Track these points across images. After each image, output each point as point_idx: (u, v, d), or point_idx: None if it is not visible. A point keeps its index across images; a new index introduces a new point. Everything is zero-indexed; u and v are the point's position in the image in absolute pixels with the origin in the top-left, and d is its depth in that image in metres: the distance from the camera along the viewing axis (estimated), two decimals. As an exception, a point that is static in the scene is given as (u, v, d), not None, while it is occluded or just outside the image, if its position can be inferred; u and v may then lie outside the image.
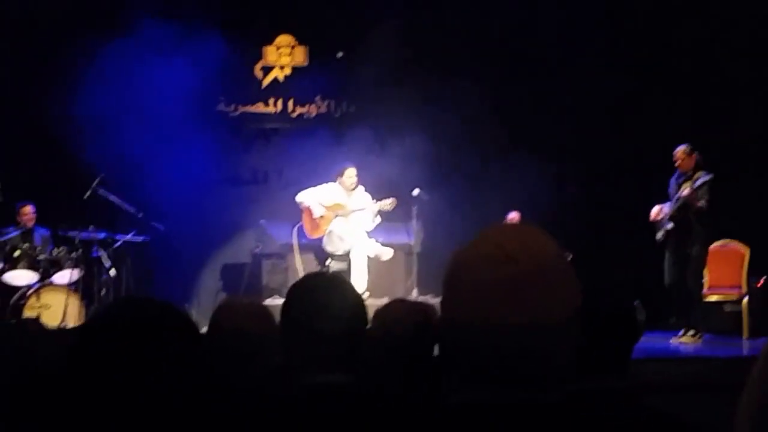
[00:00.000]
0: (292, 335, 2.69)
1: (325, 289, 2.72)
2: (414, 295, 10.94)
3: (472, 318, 1.61)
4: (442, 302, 1.72)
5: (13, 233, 11.01)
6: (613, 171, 12.53)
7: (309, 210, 11.28)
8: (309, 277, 2.92)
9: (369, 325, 2.92)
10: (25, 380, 2.63)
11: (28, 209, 11.20)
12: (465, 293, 1.64)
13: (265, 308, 3.36)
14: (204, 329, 3.14)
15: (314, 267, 11.39)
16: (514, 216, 11.97)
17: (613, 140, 12.62)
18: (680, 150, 10.21)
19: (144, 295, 10.92)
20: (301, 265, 11.35)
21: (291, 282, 10.84)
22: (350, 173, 11.22)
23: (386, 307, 3.65)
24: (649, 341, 9.55)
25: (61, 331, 3.04)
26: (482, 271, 1.63)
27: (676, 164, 10.22)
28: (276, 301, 10.46)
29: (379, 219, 11.31)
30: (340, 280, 2.86)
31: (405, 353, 3.44)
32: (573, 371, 1.67)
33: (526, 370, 1.61)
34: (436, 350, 3.65)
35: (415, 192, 11.40)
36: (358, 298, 2.77)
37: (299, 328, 2.66)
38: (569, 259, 8.77)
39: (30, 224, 11.21)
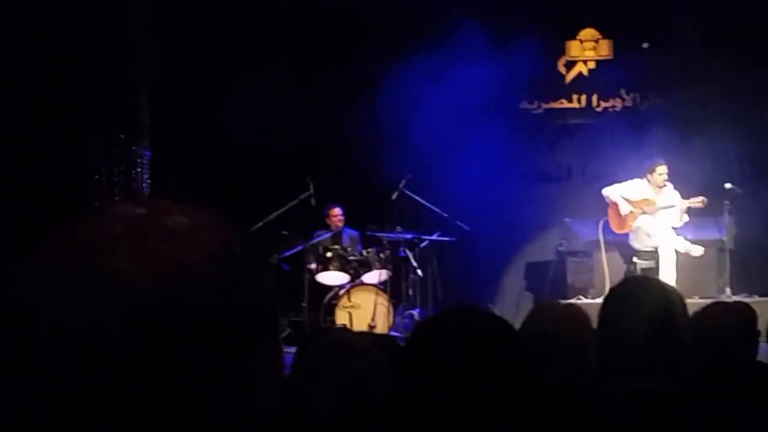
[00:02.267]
0: (608, 339, 2.69)
1: (644, 292, 2.69)
2: (727, 293, 10.45)
3: None
4: None
5: (325, 236, 11.40)
6: None
7: (615, 205, 11.01)
8: (628, 281, 2.97)
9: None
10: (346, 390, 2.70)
11: (337, 211, 11.55)
12: None
13: (580, 310, 3.33)
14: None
15: (620, 265, 11.11)
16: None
17: None
18: None
19: (450, 295, 11.10)
20: (606, 263, 11.08)
21: (597, 281, 10.76)
22: (661, 170, 10.85)
23: (704, 310, 3.53)
24: None
25: (378, 338, 3.11)
26: None
27: None
28: (581, 302, 10.29)
29: (687, 218, 10.86)
30: (660, 284, 2.87)
31: (726, 360, 3.30)
32: None
33: None
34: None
35: (727, 185, 10.90)
36: (677, 301, 2.72)
37: (616, 332, 2.66)
38: None
39: (339, 226, 11.56)
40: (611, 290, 2.81)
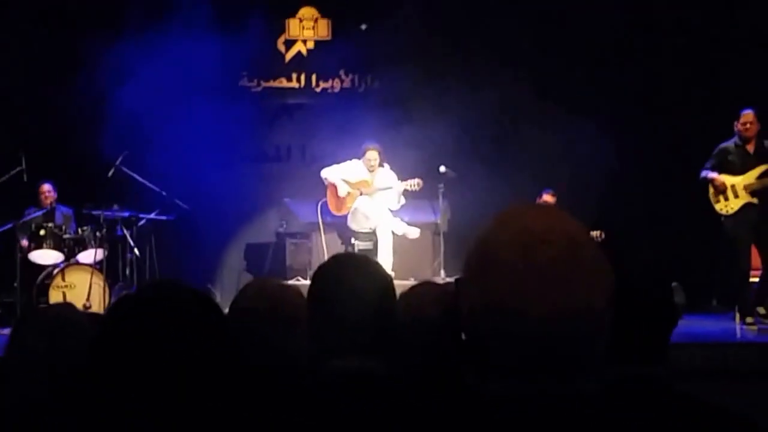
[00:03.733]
0: (318, 318, 2.64)
1: (353, 270, 2.66)
2: (441, 276, 10.83)
3: (500, 304, 1.54)
4: (463, 289, 1.64)
5: (35, 214, 10.96)
6: (649, 143, 12.12)
7: (333, 186, 11.16)
8: (336, 258, 2.87)
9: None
10: (59, 369, 2.70)
11: (46, 187, 11.14)
12: (493, 279, 1.56)
13: (293, 288, 3.23)
14: (226, 310, 3.08)
15: (339, 246, 11.30)
16: (547, 196, 11.49)
17: (650, 109, 12.24)
18: (751, 114, 9.56)
19: (168, 274, 10.93)
20: (325, 245, 11.25)
21: (315, 262, 10.87)
22: (371, 155, 11.08)
23: (412, 290, 3.57)
24: (689, 325, 9.24)
25: (94, 316, 3.08)
26: (510, 256, 1.56)
27: (744, 128, 9.54)
28: (300, 283, 10.40)
29: (404, 200, 11.16)
30: (368, 261, 2.80)
31: (432, 339, 3.37)
32: (606, 358, 1.62)
33: (559, 358, 1.55)
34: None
35: (442, 169, 11.19)
36: (386, 279, 2.71)
37: (326, 311, 2.61)
38: (601, 237, 8.43)
39: (50, 203, 11.12)
40: (318, 268, 2.75)
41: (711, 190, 9.75)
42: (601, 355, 1.59)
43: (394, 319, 2.70)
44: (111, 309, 1.87)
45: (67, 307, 3.19)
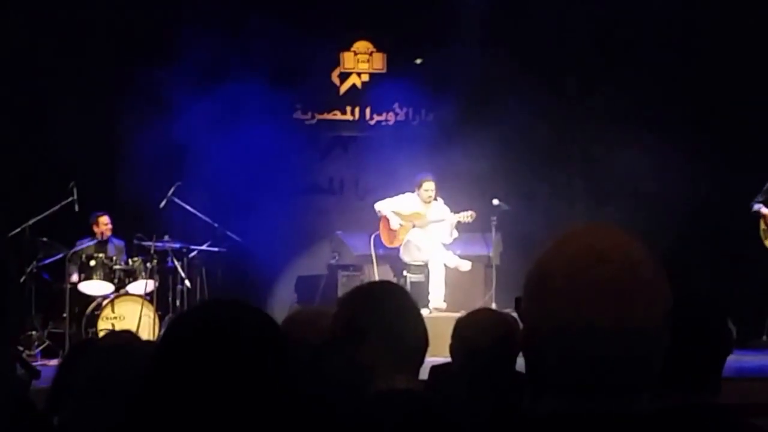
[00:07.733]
0: (353, 341, 2.65)
1: (386, 296, 2.69)
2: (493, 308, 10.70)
3: (558, 322, 1.57)
4: (524, 306, 1.66)
5: (89, 243, 10.95)
6: (705, 174, 11.85)
7: (386, 219, 11.10)
8: (370, 286, 3.01)
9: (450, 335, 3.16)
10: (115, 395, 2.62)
11: (105, 219, 11.10)
12: (551, 297, 1.59)
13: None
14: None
15: (391, 279, 11.18)
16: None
17: (704, 142, 12.01)
18: None
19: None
20: (377, 277, 11.17)
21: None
22: (427, 186, 11.03)
23: (470, 315, 3.54)
24: (739, 360, 9.01)
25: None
26: (569, 273, 1.58)
27: None
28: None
29: (456, 233, 11.10)
30: (395, 287, 2.87)
31: (488, 363, 3.29)
32: (660, 384, 1.63)
33: (615, 376, 1.56)
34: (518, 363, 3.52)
35: (495, 202, 11.17)
36: (413, 306, 2.73)
37: (361, 335, 2.62)
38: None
39: (106, 234, 11.11)
40: (353, 292, 2.80)
41: (762, 225, 9.67)
42: (655, 376, 1.59)
43: (425, 342, 2.68)
44: (168, 328, 1.81)
45: (123, 333, 3.18)
